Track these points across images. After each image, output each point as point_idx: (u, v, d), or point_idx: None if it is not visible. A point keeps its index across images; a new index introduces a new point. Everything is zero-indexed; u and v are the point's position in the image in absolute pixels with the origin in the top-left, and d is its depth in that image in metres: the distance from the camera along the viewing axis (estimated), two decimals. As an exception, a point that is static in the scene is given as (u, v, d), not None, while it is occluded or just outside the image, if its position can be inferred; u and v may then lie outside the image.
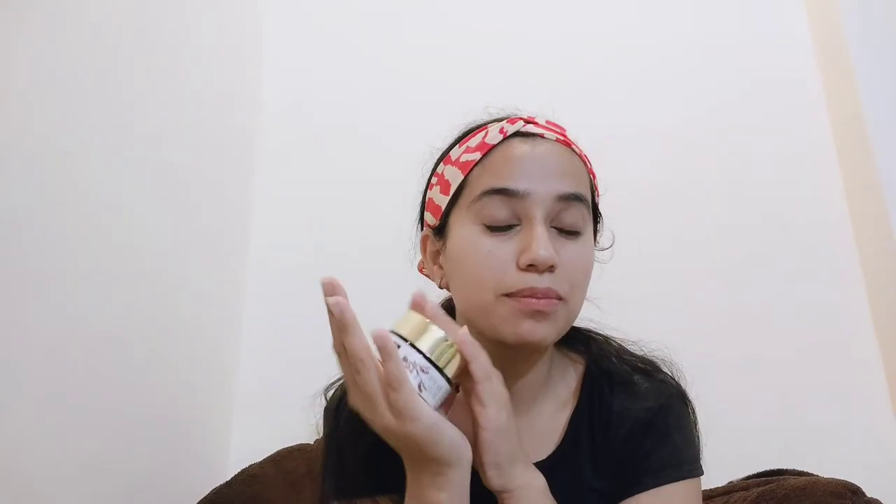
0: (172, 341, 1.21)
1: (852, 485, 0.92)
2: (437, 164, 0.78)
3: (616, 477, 0.71)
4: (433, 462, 0.56)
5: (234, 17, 1.57)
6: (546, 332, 0.66)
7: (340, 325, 0.55)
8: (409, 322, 0.57)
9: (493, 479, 0.59)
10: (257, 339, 1.52)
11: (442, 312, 0.59)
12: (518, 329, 0.65)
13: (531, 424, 0.73)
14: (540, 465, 0.65)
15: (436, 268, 0.75)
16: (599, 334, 0.82)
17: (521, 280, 0.65)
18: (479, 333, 0.68)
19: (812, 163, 1.52)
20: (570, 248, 0.67)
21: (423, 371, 0.54)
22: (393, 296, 1.48)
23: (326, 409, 0.79)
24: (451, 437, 0.56)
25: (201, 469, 1.31)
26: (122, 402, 1.04)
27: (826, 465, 1.05)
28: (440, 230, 0.73)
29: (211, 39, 1.42)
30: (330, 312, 0.55)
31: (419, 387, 0.54)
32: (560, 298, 0.66)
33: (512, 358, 0.69)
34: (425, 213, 0.77)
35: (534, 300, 0.64)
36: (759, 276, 1.46)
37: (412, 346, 0.55)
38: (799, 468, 1.09)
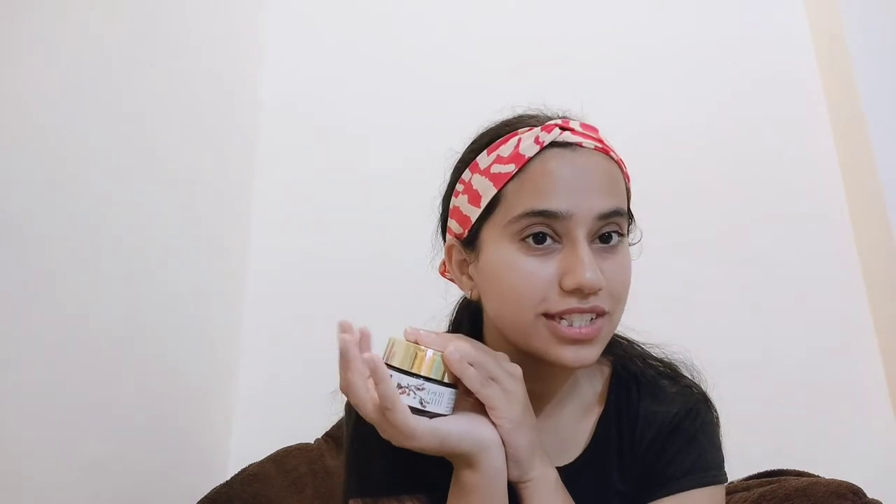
0: (173, 341, 1.21)
1: (853, 485, 0.92)
2: (461, 170, 0.73)
3: (642, 480, 0.71)
4: (456, 455, 0.61)
5: (233, 18, 1.56)
6: (592, 354, 0.65)
7: (342, 358, 0.60)
8: (395, 350, 0.61)
9: (511, 469, 0.62)
10: (257, 339, 1.52)
11: (433, 336, 0.63)
12: (561, 355, 0.64)
13: (557, 428, 0.73)
14: (567, 469, 0.67)
15: (465, 278, 0.73)
16: (623, 337, 0.81)
17: (565, 302, 0.64)
18: (511, 344, 0.68)
19: (812, 163, 1.52)
20: (612, 262, 0.66)
21: (419, 389, 0.60)
22: (392, 295, 1.49)
23: (349, 405, 0.77)
24: (459, 434, 0.60)
25: (201, 469, 1.31)
26: (122, 402, 1.04)
27: (827, 466, 1.05)
28: (470, 241, 0.71)
29: (211, 40, 1.42)
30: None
31: (421, 402, 0.59)
32: (604, 314, 0.65)
33: (539, 364, 0.68)
34: (450, 220, 0.74)
35: (575, 331, 0.64)
36: (759, 277, 1.46)
37: (402, 371, 0.60)
38: (800, 468, 1.09)
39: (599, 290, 0.63)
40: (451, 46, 1.69)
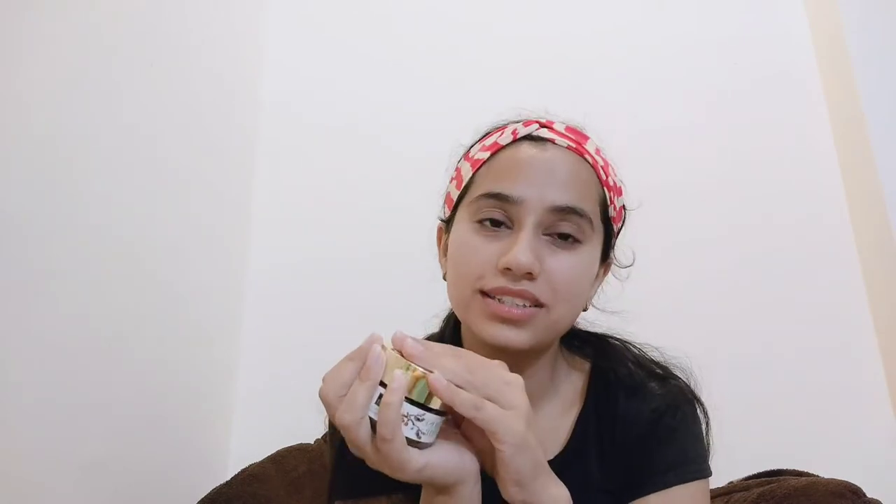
0: (173, 342, 1.21)
1: (853, 485, 0.91)
2: (459, 160, 0.79)
3: (623, 477, 0.71)
4: (435, 487, 0.57)
5: (234, 18, 1.56)
6: (518, 338, 0.66)
7: (364, 372, 0.53)
8: (389, 366, 0.53)
9: (515, 494, 0.56)
10: (257, 339, 1.52)
11: (421, 350, 0.56)
12: (488, 331, 0.66)
13: (537, 425, 0.73)
14: None
15: (444, 260, 0.77)
16: (618, 339, 0.82)
17: (497, 280, 0.65)
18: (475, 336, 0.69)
19: (812, 163, 1.52)
20: (561, 257, 0.67)
21: (418, 420, 0.53)
22: (392, 295, 1.49)
23: None
24: (444, 468, 0.55)
25: (201, 469, 1.31)
26: (122, 402, 1.04)
27: (826, 466, 1.05)
28: (449, 223, 0.75)
29: (211, 40, 1.42)
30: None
31: (417, 434, 0.53)
32: (539, 304, 0.66)
33: (509, 357, 0.67)
34: (444, 205, 0.79)
35: (504, 308, 0.65)
36: (759, 277, 1.46)
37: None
38: (799, 468, 1.09)
39: (530, 273, 0.64)
40: (452, 47, 1.69)
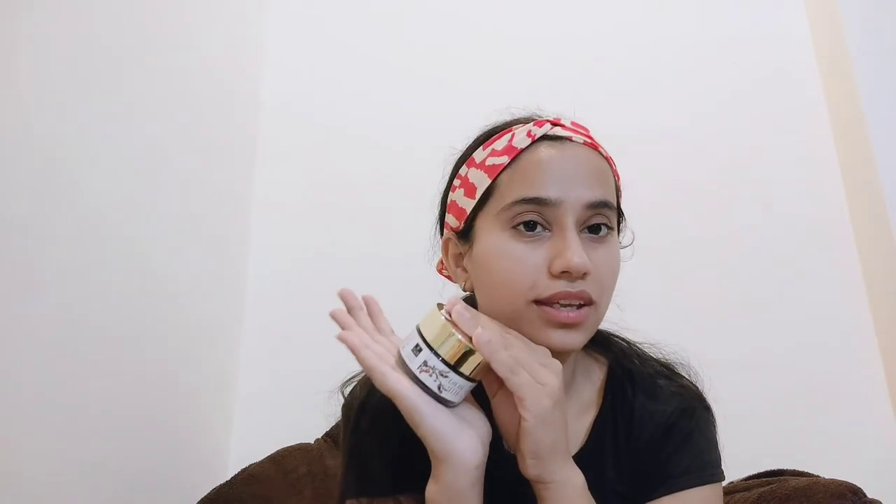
0: (173, 342, 1.21)
1: (853, 485, 0.92)
2: (458, 166, 0.76)
3: (638, 479, 0.71)
4: (429, 451, 0.60)
5: (234, 18, 1.56)
6: (577, 340, 0.66)
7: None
8: (432, 324, 0.60)
9: (531, 468, 0.60)
10: (257, 339, 1.52)
11: (466, 316, 0.61)
12: (548, 338, 0.65)
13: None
14: None
15: (459, 270, 0.75)
16: (620, 336, 0.82)
17: (553, 286, 0.65)
18: None
19: (812, 163, 1.52)
20: (600, 252, 0.67)
21: (442, 375, 0.59)
22: (392, 296, 1.49)
23: (346, 406, 0.78)
24: (434, 431, 0.58)
25: (201, 469, 1.31)
26: (122, 402, 1.04)
27: (826, 466, 1.05)
28: (465, 233, 0.73)
29: (211, 40, 1.42)
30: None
31: (439, 388, 0.59)
32: (591, 303, 0.66)
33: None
34: (447, 215, 0.77)
35: (563, 314, 0.65)
36: (759, 276, 1.46)
37: (431, 350, 0.59)
38: (799, 468, 1.09)
39: (587, 274, 0.65)
40: (452, 47, 1.69)
